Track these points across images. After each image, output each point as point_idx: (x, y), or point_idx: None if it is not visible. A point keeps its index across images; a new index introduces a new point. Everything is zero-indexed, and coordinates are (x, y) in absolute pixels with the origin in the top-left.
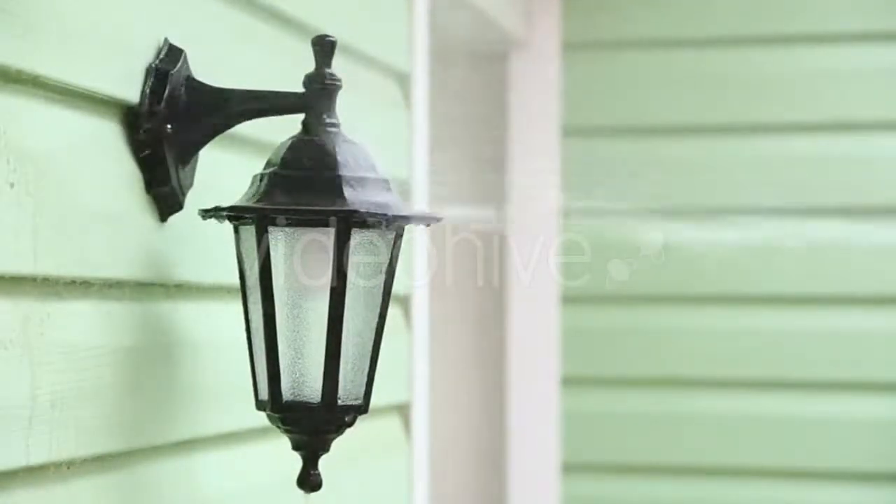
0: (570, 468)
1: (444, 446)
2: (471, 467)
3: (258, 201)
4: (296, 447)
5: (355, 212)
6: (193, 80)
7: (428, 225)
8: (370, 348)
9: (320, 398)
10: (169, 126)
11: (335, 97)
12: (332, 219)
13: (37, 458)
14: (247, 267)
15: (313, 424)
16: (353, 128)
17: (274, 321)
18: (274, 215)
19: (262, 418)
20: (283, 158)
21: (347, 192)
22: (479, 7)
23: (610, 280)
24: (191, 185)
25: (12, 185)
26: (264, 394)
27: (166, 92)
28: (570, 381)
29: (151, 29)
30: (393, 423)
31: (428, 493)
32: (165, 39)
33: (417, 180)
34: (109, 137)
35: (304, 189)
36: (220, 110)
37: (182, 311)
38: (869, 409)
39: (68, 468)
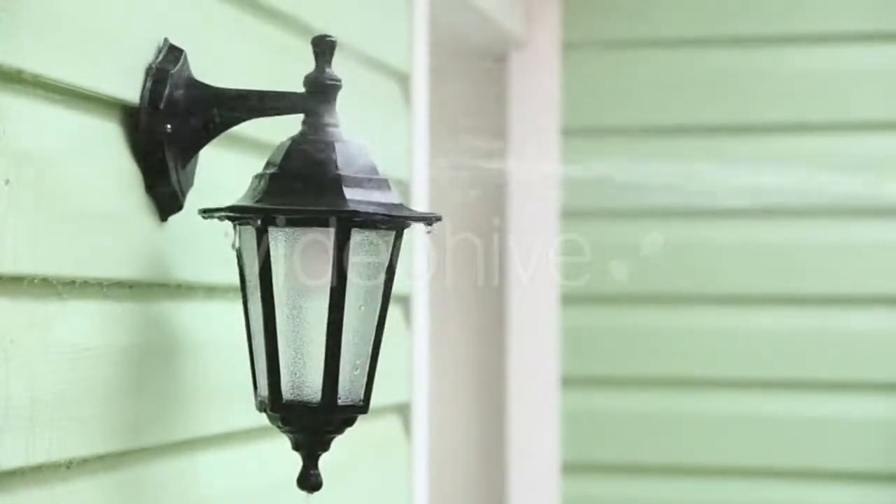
0: (570, 468)
1: (444, 446)
2: (471, 467)
3: (258, 201)
4: (296, 447)
5: (355, 212)
6: (193, 80)
7: (428, 225)
8: (370, 348)
9: (320, 398)
10: (169, 126)
11: (335, 97)
12: (332, 219)
13: (37, 458)
14: (247, 267)
15: (313, 424)
16: (353, 128)
17: (274, 321)
18: (274, 215)
19: (262, 418)
20: (283, 158)
21: (347, 192)
22: (479, 7)
23: (610, 280)
24: (191, 185)
25: (12, 186)
26: (264, 394)
27: (166, 92)
28: (570, 381)
29: (151, 29)
30: (393, 423)
31: (428, 493)
32: (165, 39)
33: (417, 180)
34: (109, 137)
35: (304, 189)
36: (220, 110)
37: (182, 311)
38: (869, 409)
39: (68, 468)
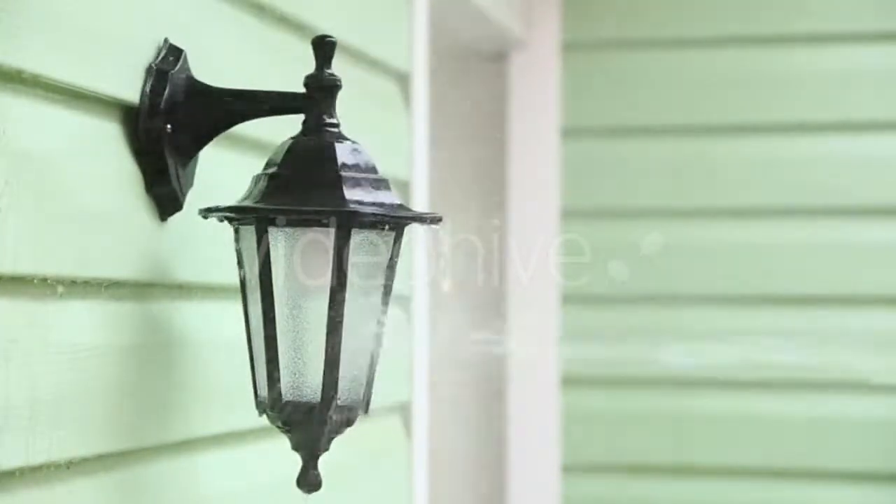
0: (570, 468)
1: (444, 446)
2: (471, 467)
3: (258, 201)
4: (296, 447)
5: (355, 212)
6: (193, 80)
7: (428, 225)
8: (370, 348)
9: (320, 398)
10: (169, 126)
11: (335, 97)
12: (332, 219)
13: (37, 458)
14: (247, 267)
15: (313, 424)
16: (353, 128)
17: (274, 321)
18: (274, 215)
19: (262, 418)
20: (283, 158)
21: (347, 192)
22: (479, 7)
23: (610, 280)
24: (191, 185)
25: (12, 186)
26: (264, 394)
27: (166, 92)
28: (570, 382)
29: (151, 29)
30: (393, 423)
31: (428, 493)
32: (165, 39)
33: (417, 180)
34: (109, 137)
35: (304, 189)
36: (220, 110)
37: (182, 311)
38: (869, 409)
39: (68, 468)
